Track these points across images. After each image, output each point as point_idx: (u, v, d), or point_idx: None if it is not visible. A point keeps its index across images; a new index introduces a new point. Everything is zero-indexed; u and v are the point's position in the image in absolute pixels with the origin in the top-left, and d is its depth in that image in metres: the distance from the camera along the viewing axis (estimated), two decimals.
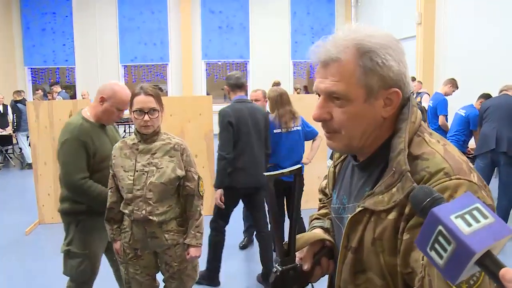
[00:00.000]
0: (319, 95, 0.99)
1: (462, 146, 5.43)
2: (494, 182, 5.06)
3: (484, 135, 4.90)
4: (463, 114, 5.50)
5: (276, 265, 1.09)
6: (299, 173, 1.11)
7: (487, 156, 4.84)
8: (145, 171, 2.35)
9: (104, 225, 2.50)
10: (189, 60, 13.44)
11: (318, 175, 5.40)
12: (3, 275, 3.88)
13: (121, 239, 2.49)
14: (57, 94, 9.97)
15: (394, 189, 0.90)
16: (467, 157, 5.50)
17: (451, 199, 0.80)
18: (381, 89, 0.94)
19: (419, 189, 0.71)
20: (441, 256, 0.60)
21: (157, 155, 2.38)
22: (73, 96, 12.82)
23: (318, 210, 1.34)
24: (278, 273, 1.08)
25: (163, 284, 2.61)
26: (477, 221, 0.58)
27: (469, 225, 0.58)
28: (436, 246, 0.60)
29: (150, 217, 2.34)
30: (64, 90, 10.94)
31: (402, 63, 0.95)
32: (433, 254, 0.61)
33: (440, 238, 0.60)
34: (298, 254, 1.14)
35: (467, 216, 0.59)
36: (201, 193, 2.48)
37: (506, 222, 3.81)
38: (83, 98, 9.45)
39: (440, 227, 0.60)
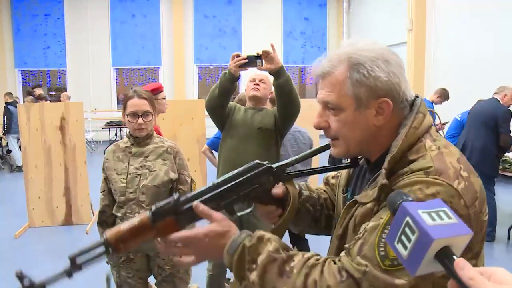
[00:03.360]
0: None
1: None
2: None
3: (459, 141, 4.96)
4: (458, 119, 5.55)
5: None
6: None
7: None
8: (138, 174, 2.36)
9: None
10: (181, 64, 13.42)
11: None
12: None
13: None
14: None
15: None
16: None
17: (419, 192, 0.88)
18: (371, 99, 0.99)
19: (395, 193, 0.77)
20: (405, 247, 0.67)
21: (150, 158, 2.39)
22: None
23: None
24: None
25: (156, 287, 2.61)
26: (441, 219, 0.66)
27: (433, 219, 0.66)
28: (403, 237, 0.68)
29: None
30: (47, 93, 10.77)
31: (394, 74, 0.99)
32: (399, 246, 0.68)
33: (407, 229, 0.67)
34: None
35: (433, 214, 0.67)
36: None
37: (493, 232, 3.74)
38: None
39: (407, 218, 0.67)
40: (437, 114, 5.89)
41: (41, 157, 5.36)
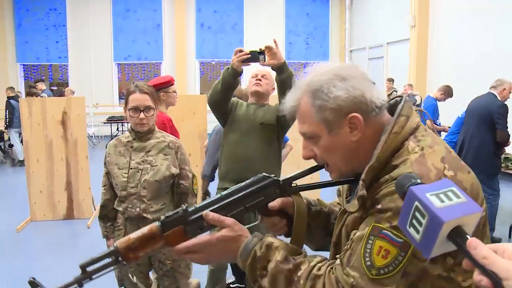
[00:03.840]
0: None
1: (454, 148, 5.42)
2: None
3: (458, 139, 4.88)
4: (460, 116, 5.47)
5: None
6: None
7: None
8: (140, 169, 2.36)
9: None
10: (183, 59, 13.41)
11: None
12: None
13: (114, 237, 2.49)
14: (41, 91, 9.84)
15: None
16: None
17: (399, 201, 0.86)
18: (339, 119, 1.01)
19: (403, 176, 0.79)
20: (417, 231, 0.68)
21: (151, 153, 2.39)
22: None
23: None
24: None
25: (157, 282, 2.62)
26: (450, 199, 0.67)
27: (442, 201, 0.66)
28: (414, 222, 0.69)
29: (144, 215, 2.35)
30: (49, 88, 10.75)
31: (353, 88, 1.00)
32: (411, 230, 0.70)
33: (417, 214, 0.68)
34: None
35: (442, 195, 0.67)
36: (195, 191, 2.50)
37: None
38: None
39: (416, 203, 0.68)
40: (426, 113, 5.84)
41: (42, 151, 5.37)
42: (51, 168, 5.41)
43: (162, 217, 1.03)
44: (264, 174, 1.13)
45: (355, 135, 1.01)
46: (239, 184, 1.10)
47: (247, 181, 1.11)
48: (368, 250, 0.90)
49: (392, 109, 1.06)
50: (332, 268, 0.97)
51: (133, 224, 2.40)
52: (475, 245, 0.62)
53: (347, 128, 1.01)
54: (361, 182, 0.97)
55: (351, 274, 0.91)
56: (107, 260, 1.00)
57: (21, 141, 7.90)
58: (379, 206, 0.92)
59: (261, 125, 2.85)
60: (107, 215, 2.51)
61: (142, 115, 2.32)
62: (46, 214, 5.45)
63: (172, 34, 13.37)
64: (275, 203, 1.12)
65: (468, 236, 0.64)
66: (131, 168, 2.37)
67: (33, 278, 0.95)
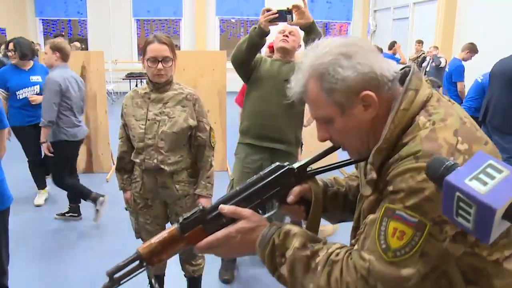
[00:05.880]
0: None
1: (474, 113, 5.23)
2: None
3: (483, 103, 4.71)
4: (480, 81, 5.28)
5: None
6: None
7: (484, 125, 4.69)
8: (157, 120, 2.33)
9: None
10: (202, 15, 13.16)
11: None
12: (16, 227, 3.96)
13: (131, 189, 2.50)
14: None
15: None
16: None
17: (411, 180, 0.84)
18: (351, 99, 0.96)
19: (433, 160, 0.73)
20: (467, 220, 0.62)
21: (169, 104, 2.35)
22: (85, 50, 12.71)
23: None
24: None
25: None
26: (492, 177, 0.60)
27: (485, 184, 0.59)
28: (461, 212, 0.62)
29: (162, 166, 2.34)
30: (68, 43, 10.67)
31: (361, 64, 0.94)
32: (460, 220, 0.63)
33: (462, 204, 0.61)
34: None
35: (482, 176, 0.60)
36: (212, 144, 2.47)
37: None
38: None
39: (457, 194, 0.61)
40: (439, 83, 5.63)
41: None
42: None
43: (180, 219, 1.04)
44: (278, 163, 1.12)
45: (371, 112, 0.97)
46: (254, 177, 1.10)
47: (261, 173, 1.10)
48: (383, 233, 0.88)
49: (402, 80, 0.99)
50: (350, 253, 0.95)
51: (150, 175, 2.40)
52: None
53: (361, 107, 0.96)
54: (369, 166, 0.94)
55: (366, 258, 0.89)
56: (133, 265, 1.03)
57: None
58: (390, 188, 0.89)
59: (285, 82, 2.79)
60: (124, 167, 2.51)
61: (160, 65, 2.27)
62: None
63: None
64: (293, 197, 1.11)
65: None
66: (149, 120, 2.34)
67: None
